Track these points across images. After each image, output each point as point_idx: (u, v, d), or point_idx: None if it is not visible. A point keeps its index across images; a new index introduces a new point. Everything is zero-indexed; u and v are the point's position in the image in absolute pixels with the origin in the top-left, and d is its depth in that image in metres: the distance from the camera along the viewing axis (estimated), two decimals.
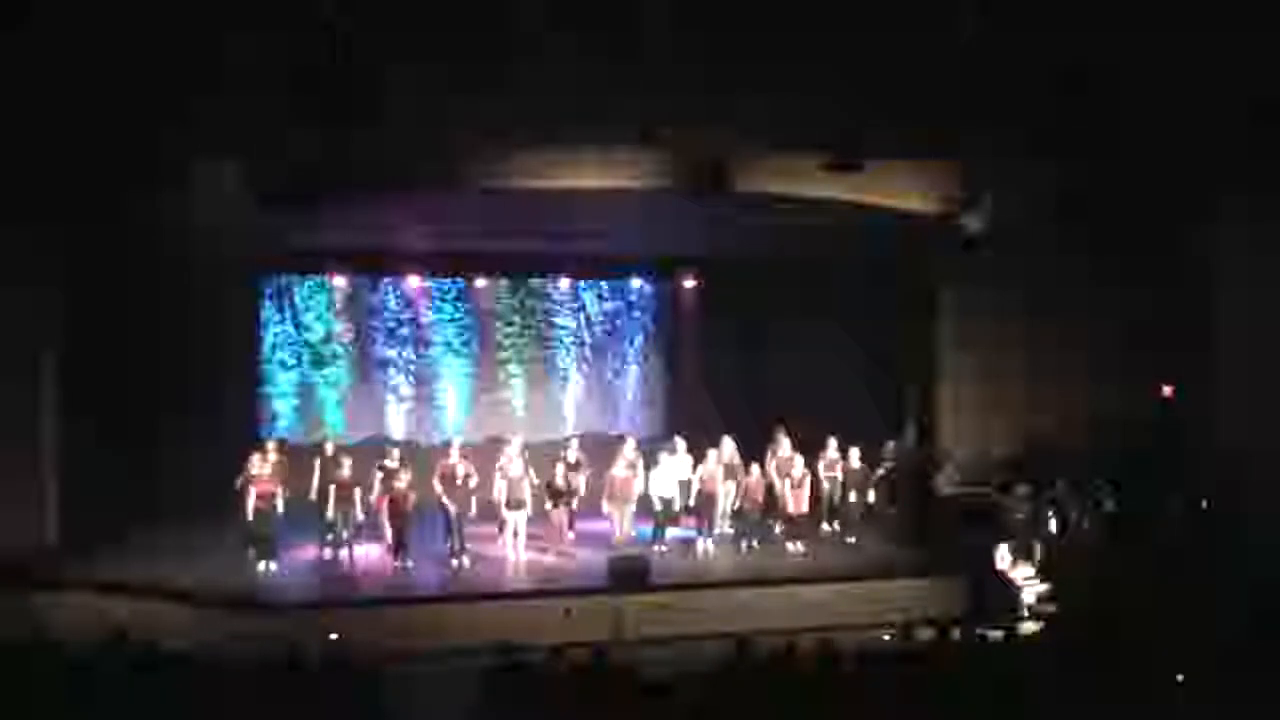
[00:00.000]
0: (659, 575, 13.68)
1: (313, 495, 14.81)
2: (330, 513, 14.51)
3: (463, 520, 14.66)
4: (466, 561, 14.62)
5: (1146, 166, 14.64)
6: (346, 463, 14.66)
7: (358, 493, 14.57)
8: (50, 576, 13.27)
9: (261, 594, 13.38)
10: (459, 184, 13.82)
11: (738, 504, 15.78)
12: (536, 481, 15.10)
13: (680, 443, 16.19)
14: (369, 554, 14.78)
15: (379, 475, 14.77)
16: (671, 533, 15.79)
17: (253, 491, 14.22)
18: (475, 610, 12.94)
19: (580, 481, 15.49)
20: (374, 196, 13.88)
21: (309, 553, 14.82)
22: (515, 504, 14.83)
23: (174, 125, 12.50)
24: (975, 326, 16.66)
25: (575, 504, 15.33)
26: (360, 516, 14.67)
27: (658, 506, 15.71)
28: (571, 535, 15.28)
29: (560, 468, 15.35)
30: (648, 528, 15.80)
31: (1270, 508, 14.12)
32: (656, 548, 15.31)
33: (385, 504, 14.41)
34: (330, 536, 14.63)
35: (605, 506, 15.63)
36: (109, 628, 9.27)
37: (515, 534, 14.84)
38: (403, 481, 14.38)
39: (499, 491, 14.98)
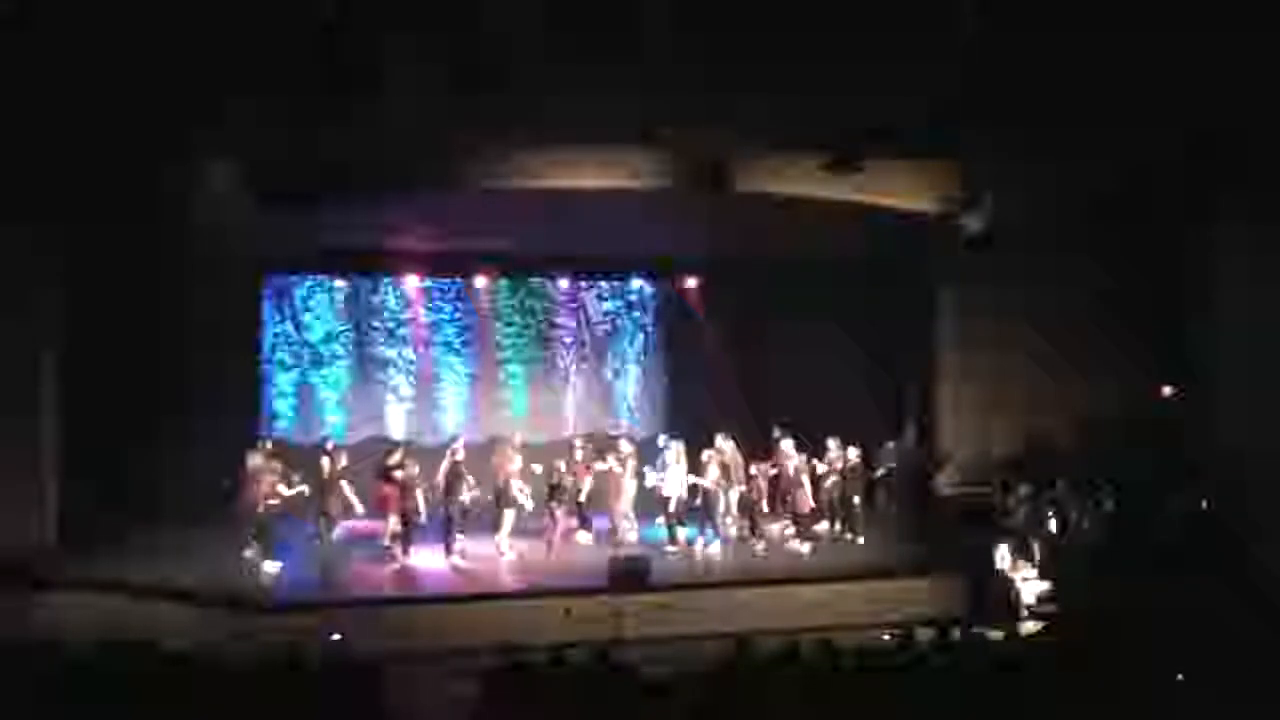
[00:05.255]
0: (659, 575, 13.69)
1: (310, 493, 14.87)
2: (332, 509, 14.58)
3: (465, 518, 14.86)
4: (461, 560, 14.68)
5: (1146, 166, 14.64)
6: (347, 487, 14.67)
7: (355, 500, 14.64)
8: (50, 576, 13.25)
9: (261, 594, 13.37)
10: (459, 184, 13.83)
11: (741, 499, 15.83)
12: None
13: (678, 445, 16.15)
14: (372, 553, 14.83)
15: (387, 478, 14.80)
16: (681, 533, 15.78)
17: (253, 490, 14.20)
18: (475, 610, 12.93)
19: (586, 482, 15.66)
20: (374, 196, 13.87)
21: (308, 552, 14.78)
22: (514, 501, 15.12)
23: (174, 125, 12.50)
24: (975, 326, 16.67)
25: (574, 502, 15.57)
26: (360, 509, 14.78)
27: (662, 510, 15.75)
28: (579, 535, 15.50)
29: (562, 465, 15.57)
30: (654, 529, 15.86)
31: (1270, 508, 14.12)
32: (667, 548, 15.36)
33: (393, 500, 14.47)
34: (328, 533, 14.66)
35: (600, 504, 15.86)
36: (109, 628, 9.27)
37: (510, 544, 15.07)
38: (412, 477, 14.55)
39: (503, 487, 15.12)
